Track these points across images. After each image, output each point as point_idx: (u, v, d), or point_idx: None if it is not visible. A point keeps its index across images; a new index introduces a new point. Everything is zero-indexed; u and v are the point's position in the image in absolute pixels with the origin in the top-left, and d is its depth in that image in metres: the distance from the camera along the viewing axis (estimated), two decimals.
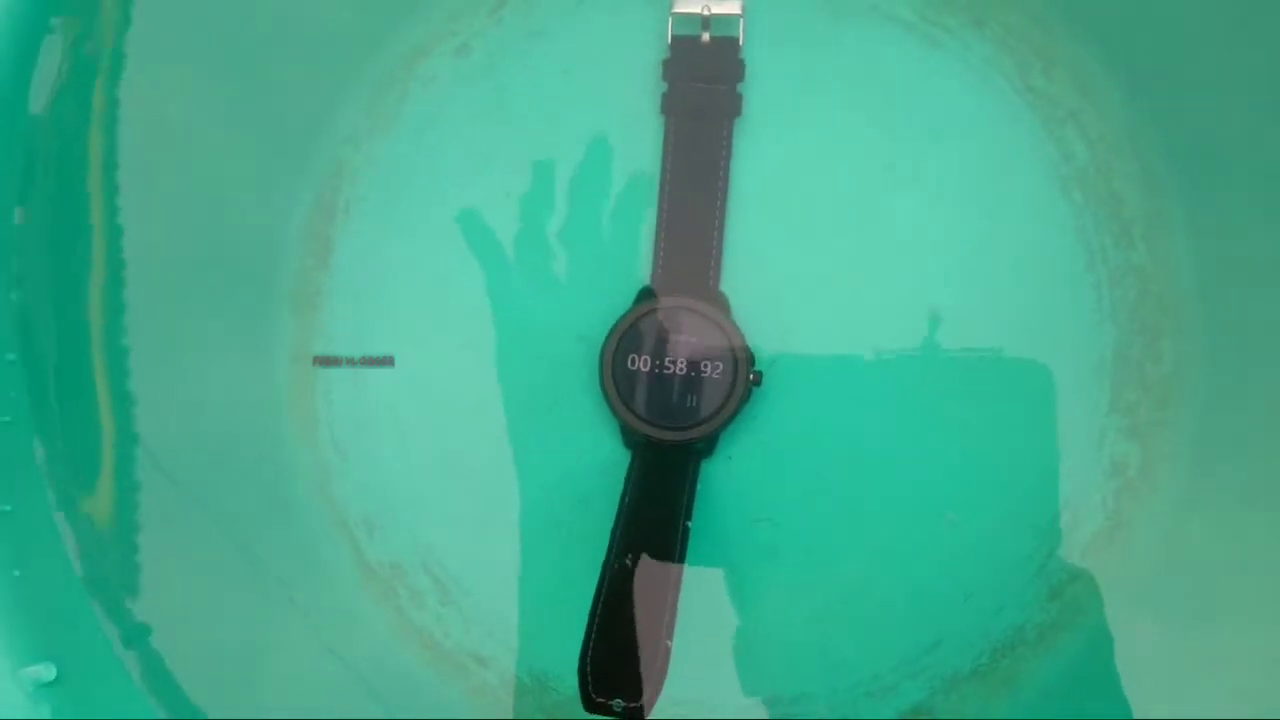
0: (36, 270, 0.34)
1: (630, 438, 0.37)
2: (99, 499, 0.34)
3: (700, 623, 0.36)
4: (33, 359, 0.32)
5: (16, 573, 0.28)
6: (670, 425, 0.36)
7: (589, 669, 0.30)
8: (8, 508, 0.29)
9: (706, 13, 0.37)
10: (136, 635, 0.31)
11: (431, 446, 0.38)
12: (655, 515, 0.34)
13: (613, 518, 0.34)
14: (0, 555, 0.28)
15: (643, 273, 0.38)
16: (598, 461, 0.37)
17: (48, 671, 0.28)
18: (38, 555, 0.29)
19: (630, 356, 0.36)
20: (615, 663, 0.30)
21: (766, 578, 0.37)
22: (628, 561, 0.31)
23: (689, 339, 0.36)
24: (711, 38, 0.37)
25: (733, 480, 0.37)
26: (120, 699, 0.30)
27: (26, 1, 0.33)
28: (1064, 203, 0.37)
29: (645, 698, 0.29)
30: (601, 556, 0.33)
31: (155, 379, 0.35)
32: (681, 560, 0.33)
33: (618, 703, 0.29)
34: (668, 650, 0.30)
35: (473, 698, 0.37)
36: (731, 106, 0.37)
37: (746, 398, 0.36)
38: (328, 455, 0.38)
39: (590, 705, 0.30)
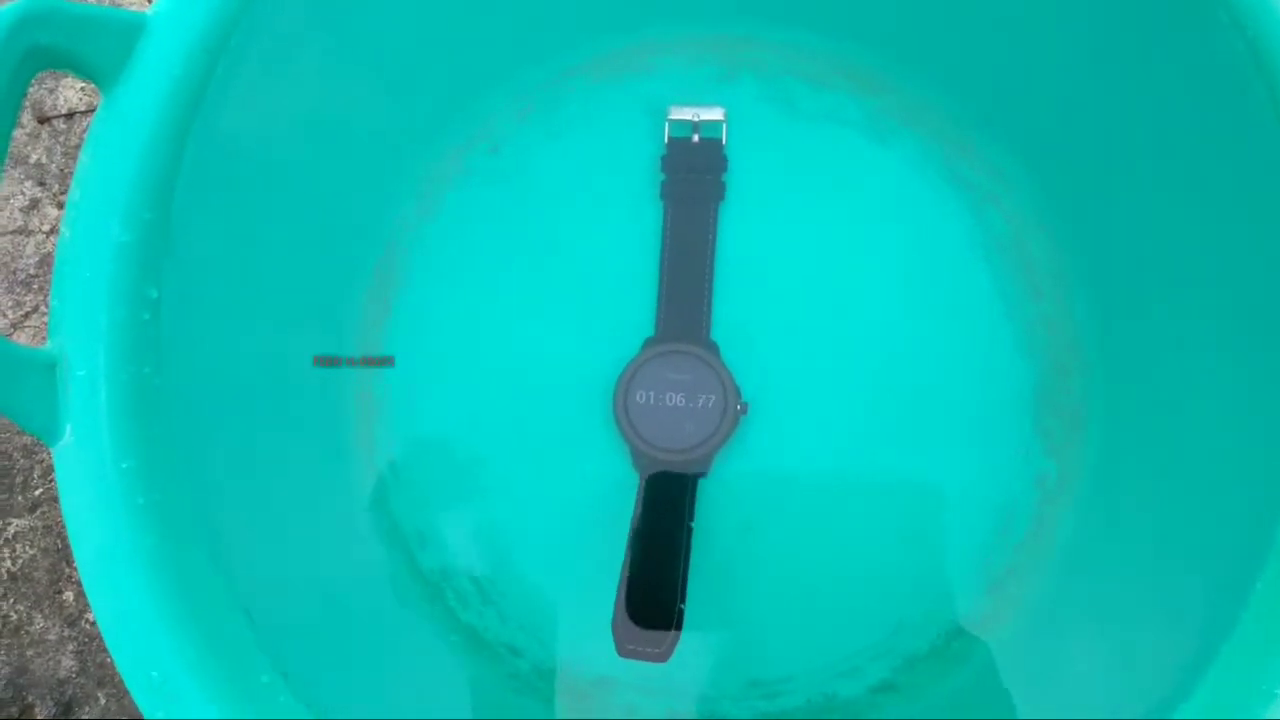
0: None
1: (639, 461, 0.43)
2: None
3: (699, 617, 0.41)
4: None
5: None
6: (672, 449, 0.42)
7: (621, 627, 0.36)
8: None
9: (696, 119, 0.44)
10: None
11: (472, 469, 0.44)
12: (664, 518, 0.40)
13: (626, 530, 0.40)
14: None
15: (648, 325, 0.44)
16: (612, 482, 0.43)
17: None
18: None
19: (639, 393, 0.42)
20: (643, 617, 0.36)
21: (754, 578, 0.43)
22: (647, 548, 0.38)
23: (686, 378, 0.42)
24: (700, 138, 0.45)
25: (725, 495, 0.43)
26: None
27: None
28: (986, 265, 0.44)
29: (665, 646, 0.36)
30: (617, 563, 0.39)
31: (261, 396, 0.41)
32: (688, 547, 0.39)
33: (645, 650, 0.36)
34: (681, 611, 0.37)
35: (508, 681, 0.42)
36: (717, 193, 0.45)
37: (735, 426, 0.42)
38: (385, 475, 0.44)
39: (623, 652, 0.36)
